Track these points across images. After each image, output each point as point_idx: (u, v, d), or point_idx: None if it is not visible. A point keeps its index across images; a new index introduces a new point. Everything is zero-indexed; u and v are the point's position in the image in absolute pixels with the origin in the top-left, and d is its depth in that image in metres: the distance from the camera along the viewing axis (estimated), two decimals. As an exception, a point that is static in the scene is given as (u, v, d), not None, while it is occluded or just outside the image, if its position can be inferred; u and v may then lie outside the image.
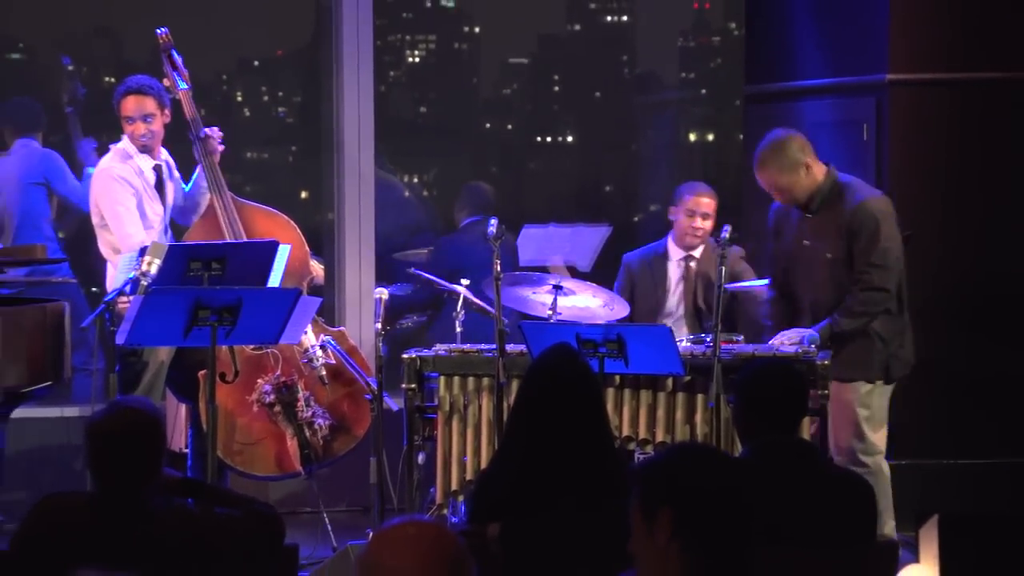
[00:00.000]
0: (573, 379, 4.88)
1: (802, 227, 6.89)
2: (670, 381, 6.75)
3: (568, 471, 4.71)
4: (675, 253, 7.76)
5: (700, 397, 6.75)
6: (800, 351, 6.78)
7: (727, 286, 7.08)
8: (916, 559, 4.45)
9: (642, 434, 6.80)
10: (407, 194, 10.45)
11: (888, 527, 6.70)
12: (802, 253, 6.88)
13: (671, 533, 3.10)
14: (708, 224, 7.70)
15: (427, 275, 7.94)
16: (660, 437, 6.76)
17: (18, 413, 6.78)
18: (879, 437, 6.87)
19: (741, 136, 9.59)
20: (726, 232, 6.79)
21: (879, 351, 6.81)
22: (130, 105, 7.20)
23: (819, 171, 6.86)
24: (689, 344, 6.97)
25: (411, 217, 9.84)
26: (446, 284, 7.54)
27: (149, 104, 7.19)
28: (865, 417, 6.85)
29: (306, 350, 7.25)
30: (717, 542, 3.11)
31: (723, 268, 6.78)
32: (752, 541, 3.15)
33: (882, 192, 6.93)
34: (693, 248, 7.74)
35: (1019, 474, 7.48)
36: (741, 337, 7.33)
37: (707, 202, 7.71)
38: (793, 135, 6.91)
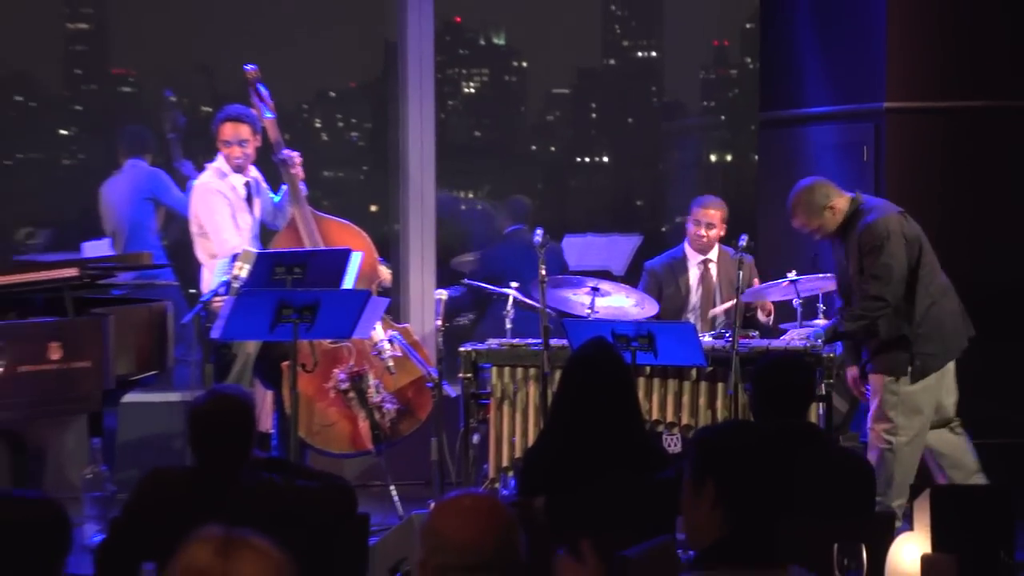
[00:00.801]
0: (608, 368, 4.88)
1: (838, 250, 6.85)
2: (694, 371, 6.75)
3: (604, 449, 4.71)
4: (693, 258, 7.73)
5: (720, 385, 6.75)
6: (808, 345, 6.76)
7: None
8: (911, 528, 4.42)
9: (669, 418, 6.81)
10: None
11: (897, 502, 6.63)
12: (842, 270, 6.84)
13: (714, 502, 3.08)
14: (712, 232, 7.65)
15: (478, 284, 7.96)
16: (685, 420, 6.77)
17: (127, 398, 6.82)
18: (909, 422, 6.71)
19: (756, 157, 9.56)
20: (743, 241, 6.82)
21: (904, 351, 6.70)
22: (228, 131, 7.24)
23: (843, 205, 6.74)
24: (711, 339, 6.96)
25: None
26: (496, 289, 7.55)
27: (244, 131, 7.23)
28: (892, 403, 6.72)
29: (376, 343, 7.26)
30: (753, 510, 3.08)
31: (740, 272, 6.79)
32: (782, 510, 3.11)
33: (899, 211, 6.81)
34: (705, 252, 7.70)
35: (1006, 453, 7.41)
36: (756, 333, 7.33)
37: (712, 213, 7.65)
38: (814, 184, 6.79)
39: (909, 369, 6.70)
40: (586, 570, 3.20)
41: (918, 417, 6.74)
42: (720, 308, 7.48)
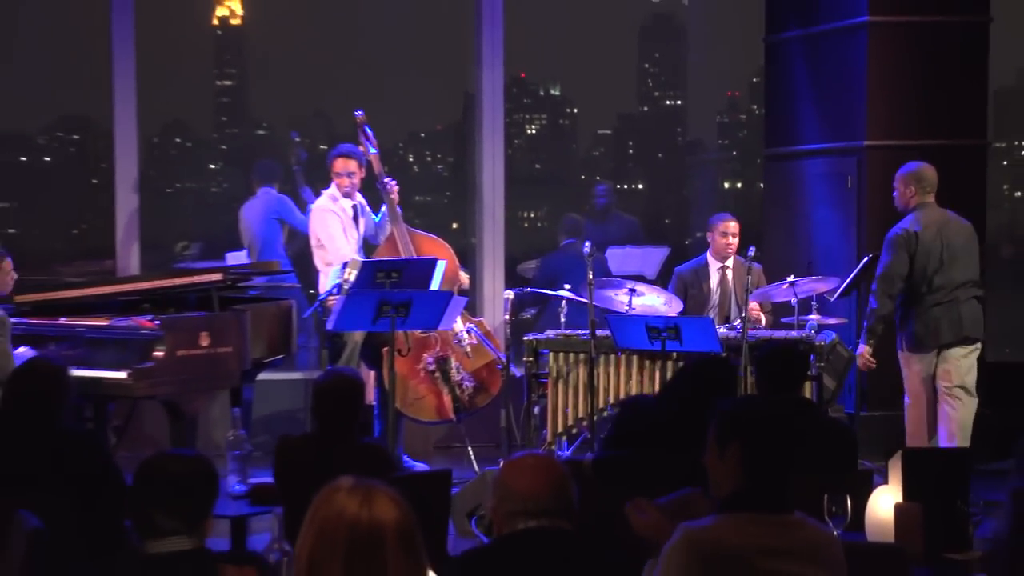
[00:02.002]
0: (732, 384, 4.84)
1: None
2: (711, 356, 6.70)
3: (693, 432, 4.62)
4: (713, 265, 7.69)
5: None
6: (803, 336, 6.73)
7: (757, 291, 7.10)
8: (886, 482, 4.39)
9: (691, 393, 6.76)
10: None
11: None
12: None
13: (738, 460, 3.04)
14: (736, 241, 7.61)
15: (538, 291, 7.97)
16: (704, 395, 6.72)
17: (260, 376, 6.86)
18: (907, 386, 6.73)
19: (761, 184, 9.51)
20: (751, 252, 6.81)
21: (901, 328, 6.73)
22: (339, 164, 7.26)
23: (909, 200, 6.70)
24: (725, 330, 6.92)
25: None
26: (552, 293, 7.55)
27: (352, 165, 7.25)
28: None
29: (456, 333, 7.27)
30: (768, 469, 3.07)
31: (750, 277, 6.77)
32: (793, 466, 3.09)
33: (907, 227, 6.67)
34: (726, 260, 7.66)
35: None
36: (762, 324, 7.28)
37: (733, 225, 7.61)
38: (914, 169, 6.74)
39: (899, 345, 6.72)
40: (649, 517, 3.19)
41: (910, 385, 6.71)
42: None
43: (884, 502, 4.30)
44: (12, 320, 6.30)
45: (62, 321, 6.29)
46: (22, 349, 6.03)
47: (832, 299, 7.26)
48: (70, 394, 4.65)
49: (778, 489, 3.05)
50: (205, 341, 6.15)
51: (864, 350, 6.69)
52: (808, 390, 6.56)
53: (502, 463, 3.15)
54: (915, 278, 6.65)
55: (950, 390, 6.68)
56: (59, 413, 4.55)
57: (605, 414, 6.94)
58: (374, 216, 7.48)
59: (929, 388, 6.70)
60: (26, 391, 4.56)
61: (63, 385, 4.60)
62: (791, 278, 7.13)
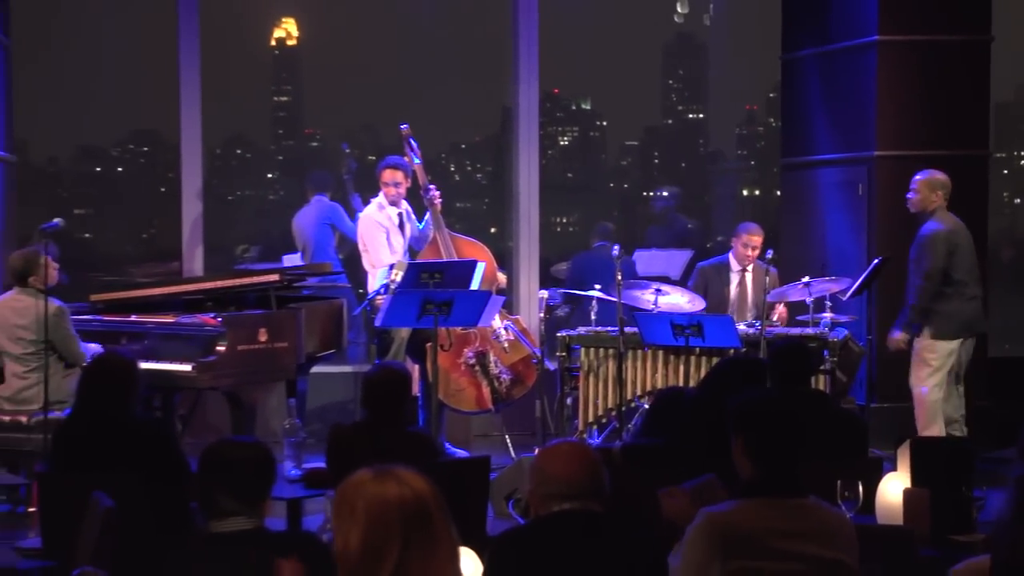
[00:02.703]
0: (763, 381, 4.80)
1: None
2: (731, 351, 6.68)
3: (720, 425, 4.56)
4: (735, 266, 7.65)
5: (751, 362, 6.66)
6: (817, 332, 6.68)
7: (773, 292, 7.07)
8: (895, 469, 4.35)
9: (712, 386, 6.73)
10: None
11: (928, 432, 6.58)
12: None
13: (744, 450, 3.06)
14: (755, 252, 7.57)
15: (570, 291, 7.96)
16: (724, 388, 6.69)
17: (314, 369, 6.89)
18: (929, 377, 6.67)
19: (778, 192, 9.46)
20: (769, 255, 6.78)
21: (933, 316, 6.67)
22: (387, 175, 7.27)
23: (927, 203, 6.71)
24: (744, 327, 6.89)
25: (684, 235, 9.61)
26: (583, 293, 7.54)
27: (399, 175, 7.25)
28: (916, 362, 6.70)
29: (495, 330, 7.27)
30: (773, 458, 3.06)
31: (767, 279, 6.73)
32: (801, 458, 3.08)
33: (943, 227, 6.70)
34: (746, 266, 7.63)
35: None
36: (779, 322, 7.25)
37: (756, 239, 7.56)
38: (940, 177, 6.76)
39: (927, 333, 6.69)
40: (680, 502, 3.20)
41: (936, 375, 6.66)
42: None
43: (893, 487, 4.27)
44: (87, 317, 6.36)
45: (133, 318, 6.34)
46: (93, 346, 6.08)
47: (844, 298, 7.21)
48: (139, 385, 4.68)
49: (788, 476, 3.05)
50: (263, 337, 6.18)
51: (900, 336, 6.68)
52: (821, 383, 6.52)
53: (538, 450, 3.15)
54: (957, 272, 6.66)
55: (959, 377, 6.76)
56: (130, 403, 4.59)
57: (633, 405, 6.95)
58: (418, 222, 7.49)
59: (952, 374, 6.72)
60: (99, 383, 4.60)
61: (133, 377, 4.64)
62: (806, 279, 7.10)
